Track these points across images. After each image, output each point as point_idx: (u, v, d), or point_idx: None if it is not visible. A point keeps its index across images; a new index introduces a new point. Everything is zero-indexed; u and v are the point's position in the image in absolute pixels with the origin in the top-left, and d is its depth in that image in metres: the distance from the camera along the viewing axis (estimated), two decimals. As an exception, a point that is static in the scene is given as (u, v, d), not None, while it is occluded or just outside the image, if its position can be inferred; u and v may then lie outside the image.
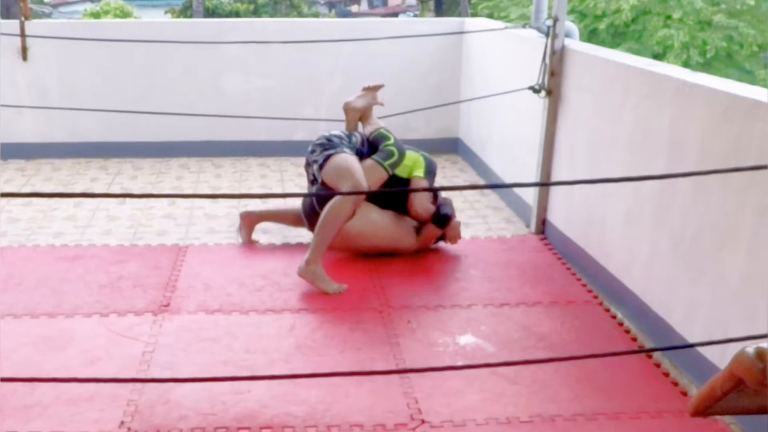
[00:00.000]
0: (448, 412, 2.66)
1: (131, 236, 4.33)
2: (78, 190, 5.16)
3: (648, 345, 3.17)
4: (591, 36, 13.34)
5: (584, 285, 3.73)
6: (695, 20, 13.08)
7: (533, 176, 4.35)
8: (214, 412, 2.63)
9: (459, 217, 4.27)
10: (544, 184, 4.34)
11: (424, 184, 3.98)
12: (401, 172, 3.94)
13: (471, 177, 5.59)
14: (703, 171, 2.63)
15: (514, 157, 4.84)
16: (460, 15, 19.06)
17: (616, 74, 3.53)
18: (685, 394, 2.81)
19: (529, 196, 4.49)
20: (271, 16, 21.52)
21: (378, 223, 3.91)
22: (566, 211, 4.09)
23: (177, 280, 3.70)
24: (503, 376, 2.87)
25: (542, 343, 3.15)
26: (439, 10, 23.28)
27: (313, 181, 3.92)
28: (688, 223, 2.92)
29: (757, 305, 2.51)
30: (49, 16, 22.96)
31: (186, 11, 21.63)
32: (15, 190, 5.11)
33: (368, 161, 3.87)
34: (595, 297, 3.59)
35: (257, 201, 4.68)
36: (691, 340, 2.87)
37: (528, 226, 4.50)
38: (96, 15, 19.60)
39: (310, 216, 3.91)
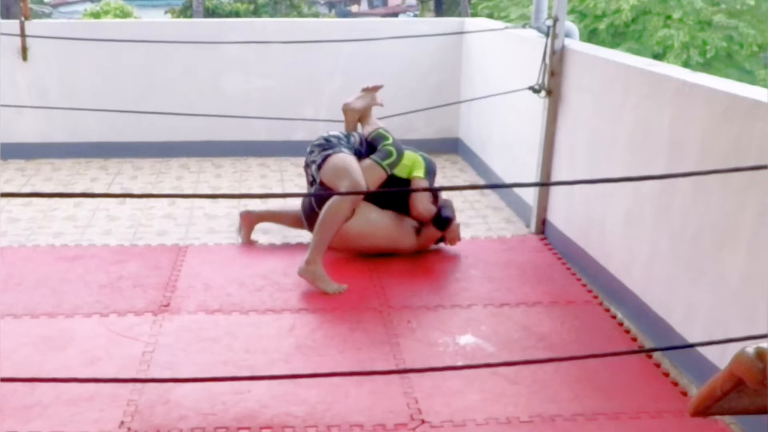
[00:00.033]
0: (448, 412, 2.66)
1: (131, 236, 4.33)
2: (78, 190, 5.16)
3: (648, 345, 3.17)
4: (591, 36, 13.35)
5: (584, 285, 3.73)
6: (695, 20, 13.08)
7: (533, 176, 4.35)
8: (214, 412, 2.63)
9: (459, 217, 4.27)
10: (544, 184, 4.34)
11: (425, 184, 3.98)
12: (400, 172, 3.95)
13: (471, 177, 5.59)
14: (703, 171, 2.63)
15: (514, 157, 4.84)
16: (460, 15, 19.07)
17: (616, 74, 3.53)
18: (685, 394, 2.81)
19: (529, 196, 4.49)
20: (271, 16, 21.52)
21: (378, 223, 3.91)
22: (566, 211, 4.09)
23: (177, 280, 3.70)
24: (503, 376, 2.87)
25: (542, 343, 3.15)
26: (439, 10, 23.28)
27: (312, 181, 3.93)
28: (688, 223, 2.92)
29: (757, 305, 2.51)
30: (49, 16, 22.97)
31: (186, 11, 21.64)
32: (15, 190, 5.11)
33: (367, 161, 3.87)
34: (595, 297, 3.59)
35: (257, 201, 4.68)
36: (691, 340, 2.87)
37: (528, 226, 4.50)
38: (96, 15, 19.60)
39: (309, 216, 3.91)
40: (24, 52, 5.62)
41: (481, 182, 5.43)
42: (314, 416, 2.62)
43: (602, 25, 13.44)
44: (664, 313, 3.10)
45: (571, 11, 13.10)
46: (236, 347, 3.07)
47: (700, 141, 2.83)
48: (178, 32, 5.85)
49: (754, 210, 2.53)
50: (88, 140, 5.87)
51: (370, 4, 33.58)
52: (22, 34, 5.54)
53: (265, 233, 4.33)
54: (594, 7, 13.45)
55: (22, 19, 5.56)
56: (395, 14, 29.91)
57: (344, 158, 3.78)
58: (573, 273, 3.86)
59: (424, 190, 4.08)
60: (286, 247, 4.18)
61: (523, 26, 4.67)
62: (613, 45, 12.73)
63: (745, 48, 13.13)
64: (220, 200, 4.92)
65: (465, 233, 4.36)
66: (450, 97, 5.88)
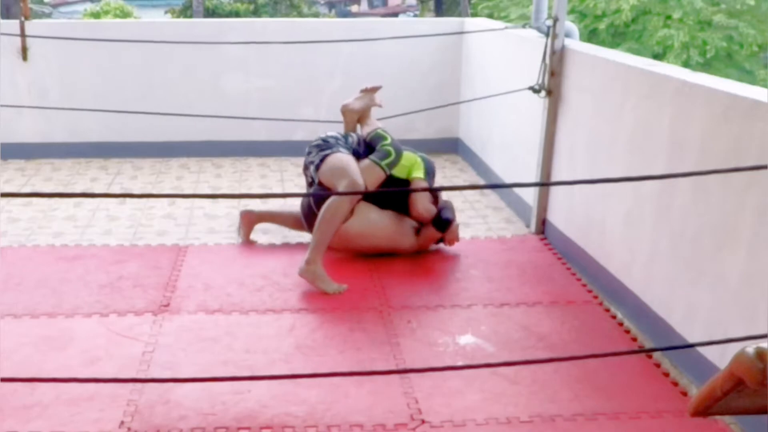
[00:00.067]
0: (448, 412, 2.66)
1: (131, 236, 4.33)
2: (78, 190, 5.16)
3: (648, 345, 3.17)
4: (591, 36, 13.34)
5: (584, 285, 3.73)
6: (695, 20, 13.08)
7: (533, 176, 4.35)
8: (214, 412, 2.63)
9: (459, 217, 4.27)
10: (544, 184, 4.34)
11: (424, 186, 3.99)
12: (399, 172, 3.94)
13: (471, 177, 5.59)
14: (703, 171, 2.63)
15: (514, 157, 4.84)
16: (460, 15, 19.07)
17: (616, 74, 3.53)
18: (685, 394, 2.81)
19: (529, 196, 4.49)
20: (271, 16, 21.53)
21: (377, 223, 3.91)
22: (566, 211, 4.09)
23: (177, 280, 3.70)
24: (503, 376, 2.87)
25: (542, 343, 3.15)
26: (439, 10, 23.28)
27: (310, 183, 3.93)
28: (688, 223, 2.92)
29: (757, 305, 2.51)
30: (49, 16, 22.97)
31: (186, 11, 21.64)
32: (15, 190, 5.11)
33: (365, 161, 3.87)
34: (595, 297, 3.59)
35: (257, 201, 4.68)
36: (691, 340, 2.87)
37: (528, 226, 4.50)
38: (96, 15, 19.60)
39: (308, 217, 3.91)
40: (24, 52, 5.62)
41: (481, 182, 5.43)
42: (314, 416, 2.62)
43: (602, 25, 13.44)
44: (664, 313, 3.10)
45: (571, 11, 13.10)
46: (236, 347, 3.07)
47: (700, 141, 2.83)
48: (178, 32, 5.85)
49: (754, 210, 2.53)
50: (88, 140, 5.87)
51: (370, 4, 33.58)
52: (22, 34, 5.54)
53: (265, 233, 4.33)
54: (594, 7, 13.45)
55: (22, 19, 5.56)
56: (395, 14, 29.91)
57: (342, 158, 3.78)
58: (573, 273, 3.86)
59: (424, 190, 4.08)
60: (286, 247, 4.18)
61: (523, 26, 4.67)
62: (613, 45, 12.73)
63: (745, 48, 13.13)
64: (220, 200, 4.92)
65: (465, 233, 4.36)
66: (450, 97, 5.88)
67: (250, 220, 4.20)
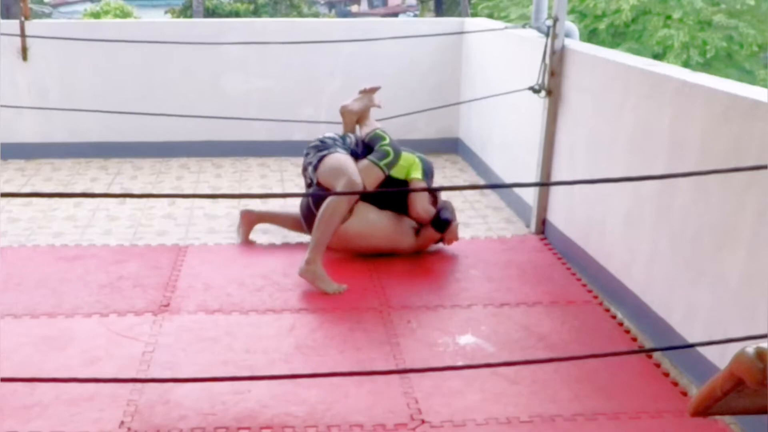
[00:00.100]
0: (448, 412, 2.66)
1: (131, 236, 4.33)
2: (78, 190, 5.16)
3: (648, 345, 3.17)
4: (591, 36, 13.35)
5: (584, 285, 3.73)
6: (695, 20, 13.08)
7: (533, 176, 4.35)
8: (214, 412, 2.63)
9: (459, 217, 4.27)
10: (544, 184, 4.34)
11: (423, 186, 3.99)
12: (397, 173, 3.94)
13: (471, 177, 5.59)
14: (703, 171, 2.63)
15: (514, 157, 4.84)
16: (460, 15, 19.07)
17: (616, 74, 3.53)
18: (685, 394, 2.81)
19: (529, 196, 4.49)
20: (271, 16, 21.53)
21: (376, 223, 3.91)
22: (566, 211, 4.09)
23: (177, 280, 3.70)
24: (503, 376, 2.87)
25: (542, 343, 3.15)
26: (439, 10, 23.28)
27: (309, 184, 3.93)
28: (688, 223, 2.92)
29: (757, 305, 2.51)
30: (49, 16, 22.97)
31: (186, 11, 21.64)
32: (15, 190, 5.11)
33: (364, 161, 3.87)
34: (595, 297, 3.59)
35: (257, 201, 4.68)
36: (691, 340, 2.87)
37: (528, 226, 4.50)
38: (96, 15, 19.60)
39: (307, 218, 3.91)
40: (24, 52, 5.62)
41: (481, 182, 5.43)
42: (314, 416, 2.62)
43: (602, 25, 13.44)
44: (664, 313, 3.10)
45: (571, 11, 13.10)
46: (236, 347, 3.07)
47: (700, 141, 2.83)
48: (178, 32, 5.85)
49: (754, 210, 2.53)
50: (88, 140, 5.87)
51: (370, 4, 33.58)
52: (22, 34, 5.54)
53: (265, 233, 4.33)
54: (594, 7, 13.45)
55: (22, 19, 5.56)
56: (395, 14, 29.92)
57: (339, 158, 3.79)
58: (573, 273, 3.86)
59: (424, 190, 4.08)
60: (286, 247, 4.18)
61: (523, 26, 4.67)
62: (613, 45, 12.73)
63: (745, 48, 13.13)
64: (220, 200, 4.92)
65: (465, 233, 4.36)
66: (450, 97, 5.88)
67: (249, 220, 4.20)
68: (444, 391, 2.77)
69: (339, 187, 3.64)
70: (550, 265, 3.97)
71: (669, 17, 13.15)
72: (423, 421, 2.60)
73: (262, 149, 5.97)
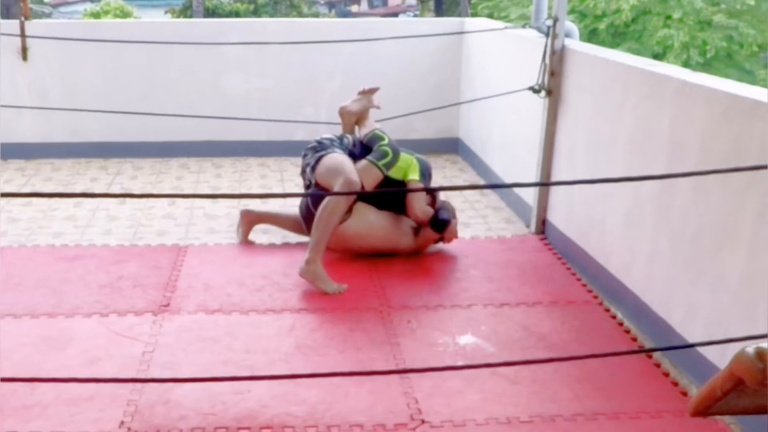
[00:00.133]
0: (448, 412, 2.66)
1: (131, 236, 4.33)
2: (78, 190, 5.16)
3: (648, 345, 3.17)
4: (591, 36, 13.35)
5: (584, 285, 3.73)
6: (695, 20, 13.08)
7: (533, 176, 4.35)
8: (214, 412, 2.63)
9: (459, 217, 4.26)
10: (544, 184, 4.34)
11: (420, 187, 3.98)
12: (395, 174, 3.93)
13: (471, 177, 5.59)
14: (703, 171, 2.63)
15: (514, 157, 4.84)
16: (460, 15, 19.07)
17: (616, 74, 3.53)
18: (685, 394, 2.81)
19: (529, 196, 4.49)
20: (271, 16, 21.53)
21: (375, 224, 3.91)
22: (566, 211, 4.09)
23: (177, 280, 3.70)
24: (503, 376, 2.87)
25: (542, 343, 3.15)
26: (439, 10, 23.28)
27: (308, 185, 3.93)
28: (688, 223, 2.92)
29: (757, 305, 2.51)
30: (49, 16, 22.97)
31: (186, 11, 21.64)
32: (15, 190, 5.11)
33: (363, 162, 3.87)
34: (595, 297, 3.59)
35: (257, 201, 4.68)
36: (691, 340, 2.87)
37: (528, 226, 4.50)
38: (96, 15, 19.60)
39: (307, 219, 3.91)
40: (24, 52, 5.62)
41: (481, 182, 5.43)
42: (314, 416, 2.62)
43: (602, 25, 13.44)
44: (664, 313, 3.10)
45: (571, 11, 13.10)
46: (236, 347, 3.07)
47: (700, 141, 2.83)
48: (178, 32, 5.85)
49: (754, 210, 2.53)
50: (88, 140, 5.87)
51: (370, 4, 33.59)
52: (22, 34, 5.54)
53: (265, 233, 4.33)
54: (594, 7, 13.45)
55: (22, 19, 5.56)
56: (395, 14, 29.92)
57: (336, 158, 3.79)
58: (573, 273, 3.86)
59: (424, 190, 4.08)
60: (286, 247, 4.18)
61: (523, 26, 4.67)
62: (613, 45, 12.73)
63: (745, 48, 13.13)
64: (220, 200, 4.92)
65: (465, 233, 4.36)
66: (450, 97, 5.88)
67: (249, 220, 4.20)
68: (444, 391, 2.77)
69: (337, 186, 3.64)
70: (550, 265, 3.97)
71: (669, 17, 13.15)
72: (423, 421, 2.60)
73: (262, 149, 5.97)
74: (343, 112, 4.15)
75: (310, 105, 5.92)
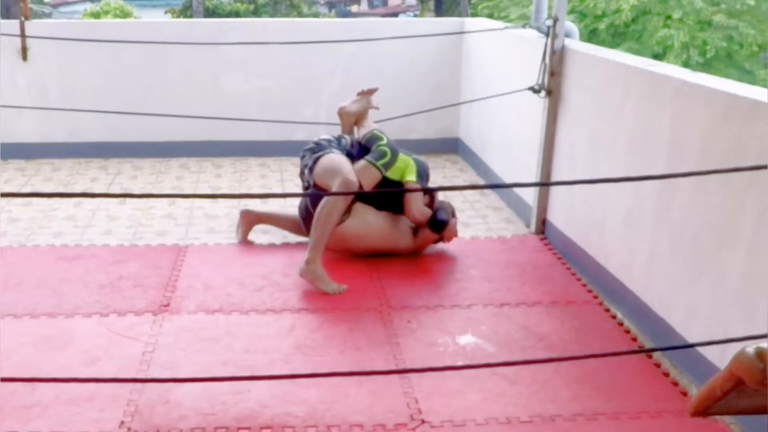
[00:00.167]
0: (448, 412, 2.66)
1: (131, 236, 4.33)
2: (78, 190, 5.16)
3: (648, 345, 3.17)
4: (591, 36, 13.35)
5: (584, 285, 3.73)
6: (695, 20, 13.08)
7: (533, 176, 4.35)
8: (214, 412, 2.63)
9: (459, 217, 4.26)
10: (544, 184, 4.34)
11: (417, 188, 3.98)
12: (392, 174, 3.93)
13: (471, 177, 5.59)
14: (703, 171, 2.63)
15: (514, 157, 4.84)
16: (460, 15, 19.07)
17: (616, 74, 3.53)
18: (685, 394, 2.81)
19: (529, 196, 4.49)
20: (271, 16, 21.53)
21: (373, 224, 3.91)
22: (566, 211, 4.09)
23: (177, 280, 3.70)
24: (503, 376, 2.87)
25: (542, 343, 3.15)
26: (439, 10, 23.29)
27: (307, 186, 3.93)
28: (688, 223, 2.92)
29: (757, 305, 2.51)
30: (49, 16, 22.97)
31: (186, 11, 21.64)
32: (15, 190, 5.11)
33: (361, 162, 3.87)
34: (595, 297, 3.59)
35: (257, 201, 4.68)
36: (691, 340, 2.87)
37: (528, 226, 4.50)
38: (96, 15, 19.60)
39: (306, 219, 3.92)
40: (24, 52, 5.62)
41: (481, 182, 5.43)
42: (314, 416, 2.62)
43: (602, 25, 13.44)
44: (664, 313, 3.10)
45: (571, 11, 13.10)
46: (236, 347, 3.07)
47: (700, 141, 2.83)
48: (178, 32, 5.85)
49: (754, 210, 2.53)
50: (88, 140, 5.87)
51: (370, 4, 33.59)
52: (22, 34, 5.54)
53: (265, 233, 4.33)
54: (594, 7, 13.45)
55: (22, 19, 5.56)
56: (395, 14, 29.92)
57: (334, 158, 3.80)
58: (573, 273, 3.86)
59: (423, 190, 4.08)
60: (286, 247, 4.18)
61: (523, 26, 4.67)
62: (613, 45, 12.73)
63: (745, 48, 13.13)
64: (220, 200, 4.92)
65: (465, 233, 4.36)
66: (450, 97, 5.88)
67: (249, 220, 4.20)
68: (444, 391, 2.77)
69: (335, 186, 3.64)
70: (550, 265, 3.97)
71: (669, 17, 13.15)
72: (423, 421, 2.60)
73: (262, 149, 5.97)
74: (342, 113, 4.15)
75: (310, 105, 5.92)
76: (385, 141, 3.96)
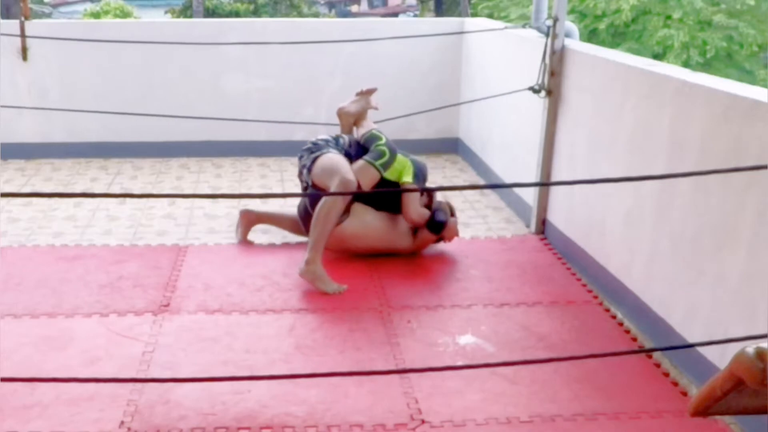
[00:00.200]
0: (448, 412, 2.66)
1: (131, 236, 4.33)
2: (78, 190, 5.16)
3: (648, 345, 3.17)
4: (591, 36, 13.35)
5: (584, 285, 3.73)
6: (695, 20, 13.08)
7: (533, 176, 4.35)
8: (214, 412, 2.63)
9: (459, 217, 4.26)
10: (544, 184, 4.34)
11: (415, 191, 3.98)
12: (390, 175, 3.92)
13: (471, 177, 5.59)
14: (703, 171, 2.63)
15: (514, 157, 4.84)
16: (460, 15, 19.07)
17: (616, 74, 3.53)
18: (685, 394, 2.81)
19: (529, 196, 4.49)
20: (271, 16, 21.53)
21: (372, 224, 3.91)
22: (566, 211, 4.09)
23: (177, 280, 3.70)
24: (503, 376, 2.87)
25: (542, 343, 3.15)
26: (439, 10, 23.29)
27: (305, 187, 3.93)
28: (688, 223, 2.92)
29: (757, 305, 2.51)
30: (49, 16, 22.97)
31: (186, 11, 21.64)
32: (15, 190, 5.11)
33: (359, 162, 3.87)
34: (595, 297, 3.59)
35: (257, 201, 4.68)
36: (691, 340, 2.87)
37: (528, 226, 4.50)
38: (96, 15, 19.60)
39: (305, 220, 3.92)
40: (24, 52, 5.62)
41: (481, 182, 5.43)
42: (314, 416, 2.62)
43: (602, 25, 13.44)
44: (664, 313, 3.10)
45: (571, 11, 13.10)
46: (236, 347, 3.07)
47: (700, 141, 2.83)
48: (178, 32, 5.85)
49: (754, 210, 2.53)
50: (87, 140, 5.87)
51: (370, 4, 33.59)
52: (22, 34, 5.54)
53: (265, 233, 4.33)
54: (594, 7, 13.45)
55: (22, 19, 5.56)
56: (395, 14, 29.92)
57: (332, 157, 3.80)
58: (573, 273, 3.86)
59: (423, 190, 4.08)
60: (286, 247, 4.18)
61: (523, 26, 4.67)
62: (613, 45, 12.73)
63: (745, 48, 13.13)
64: (220, 200, 4.92)
65: (465, 233, 4.36)
66: (450, 97, 5.88)
67: (249, 219, 4.20)
68: (444, 391, 2.77)
69: (333, 186, 3.64)
70: (550, 265, 3.97)
71: (669, 17, 13.15)
72: (423, 421, 2.60)
73: (262, 149, 5.97)
74: (341, 113, 4.15)
75: (310, 105, 5.92)
76: (383, 141, 3.95)
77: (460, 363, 3.00)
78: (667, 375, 2.93)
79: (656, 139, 3.13)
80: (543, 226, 4.36)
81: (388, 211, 3.99)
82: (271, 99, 5.90)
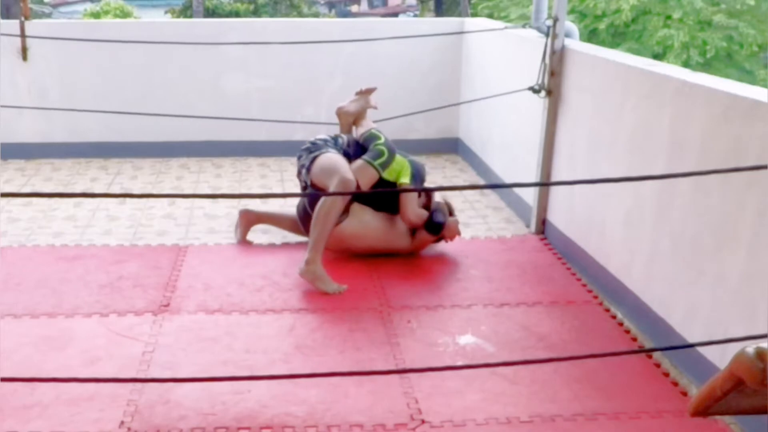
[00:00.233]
0: (448, 412, 2.66)
1: (131, 236, 4.33)
2: (78, 190, 5.16)
3: (648, 345, 3.17)
4: (591, 36, 13.35)
5: (584, 285, 3.73)
6: (695, 20, 13.08)
7: (533, 176, 4.35)
8: (214, 412, 2.63)
9: (459, 217, 4.26)
10: (544, 184, 4.34)
11: (412, 193, 3.98)
12: (389, 175, 3.91)
13: (471, 177, 5.59)
14: (703, 171, 2.63)
15: (514, 157, 4.84)
16: (460, 15, 19.07)
17: (616, 74, 3.53)
18: (685, 394, 2.81)
19: (529, 196, 4.49)
20: (271, 16, 21.53)
21: (371, 224, 3.91)
22: (566, 211, 4.09)
23: (177, 280, 3.70)
24: (503, 376, 2.87)
25: (542, 343, 3.15)
26: (439, 10, 23.29)
27: (304, 187, 3.92)
28: (688, 223, 2.92)
29: (757, 305, 2.51)
30: (49, 16, 22.97)
31: (186, 11, 21.64)
32: (15, 190, 5.11)
33: (358, 162, 3.86)
34: (595, 297, 3.59)
35: (257, 201, 4.68)
36: (691, 340, 2.87)
37: (528, 226, 4.50)
38: (96, 15, 19.60)
39: (304, 220, 3.92)
40: (24, 52, 5.62)
41: (481, 182, 5.43)
42: (314, 416, 2.62)
43: (602, 25, 13.44)
44: (664, 313, 3.10)
45: (571, 11, 13.10)
46: (236, 347, 3.07)
47: (700, 141, 2.83)
48: (178, 32, 5.86)
49: (754, 210, 2.53)
50: (88, 140, 5.87)
51: (370, 4, 33.58)
52: (22, 34, 5.54)
53: (265, 233, 4.33)
54: (594, 7, 13.45)
55: (22, 19, 5.56)
56: (395, 14, 29.92)
57: (331, 157, 3.80)
58: (573, 273, 3.86)
59: (422, 190, 4.08)
60: (286, 247, 4.18)
61: (523, 26, 4.67)
62: (613, 45, 12.73)
63: (745, 48, 13.13)
64: (220, 200, 4.92)
65: (465, 233, 4.36)
66: (450, 97, 5.88)
67: (248, 219, 4.20)
68: (444, 391, 2.77)
69: (332, 186, 3.64)
70: (550, 265, 3.97)
71: (669, 17, 13.15)
72: (423, 421, 2.60)
73: (262, 149, 5.97)
74: (340, 113, 4.15)
75: (310, 105, 5.92)
76: (382, 140, 3.95)
77: (460, 363, 3.00)
78: (667, 375, 2.93)
79: (656, 139, 3.13)
80: (543, 226, 4.36)
81: (386, 212, 3.98)
82: (271, 99, 5.90)
